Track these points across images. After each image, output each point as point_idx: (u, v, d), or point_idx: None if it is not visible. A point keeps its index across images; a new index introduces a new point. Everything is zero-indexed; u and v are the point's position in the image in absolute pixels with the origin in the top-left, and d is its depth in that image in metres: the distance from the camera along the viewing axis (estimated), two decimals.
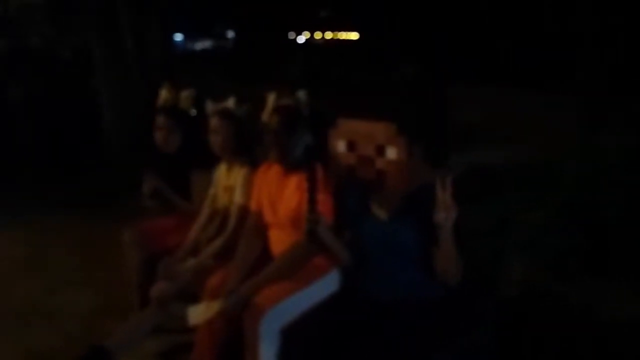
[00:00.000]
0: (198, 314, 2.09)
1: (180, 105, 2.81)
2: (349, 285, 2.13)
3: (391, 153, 1.76)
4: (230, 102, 2.54)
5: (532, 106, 9.25)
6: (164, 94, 2.82)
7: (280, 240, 2.24)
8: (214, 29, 32.40)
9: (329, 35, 31.21)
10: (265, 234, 2.32)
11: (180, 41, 26.03)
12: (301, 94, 2.14)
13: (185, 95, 2.80)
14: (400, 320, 1.87)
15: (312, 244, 2.02)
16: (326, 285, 2.15)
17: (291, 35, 29.78)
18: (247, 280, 2.12)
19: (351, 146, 1.87)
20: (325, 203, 2.02)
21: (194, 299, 2.35)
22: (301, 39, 30.43)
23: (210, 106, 2.55)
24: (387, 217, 1.91)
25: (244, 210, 2.43)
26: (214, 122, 2.52)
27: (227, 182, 2.60)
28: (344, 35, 29.55)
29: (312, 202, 1.90)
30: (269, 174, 2.31)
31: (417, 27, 15.76)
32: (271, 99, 2.23)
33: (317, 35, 31.39)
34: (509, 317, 2.37)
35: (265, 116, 2.23)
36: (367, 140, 1.82)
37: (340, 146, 1.90)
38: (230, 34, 33.13)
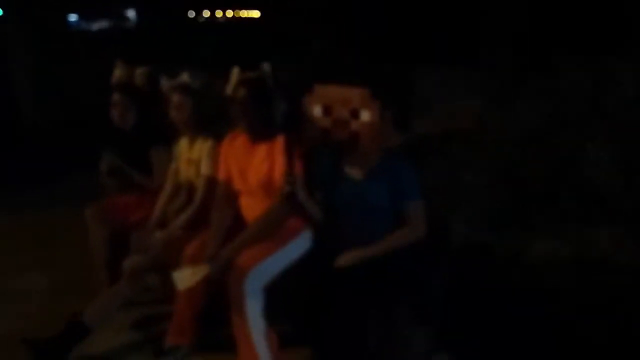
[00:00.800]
0: (185, 279, 2.18)
1: (134, 82, 2.84)
2: (321, 242, 2.33)
3: (365, 116, 1.97)
4: (185, 77, 2.61)
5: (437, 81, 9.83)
6: (118, 72, 2.84)
7: (251, 206, 2.37)
8: (112, 8, 30.77)
9: (229, 13, 30.78)
10: (235, 202, 2.45)
11: (74, 21, 24.46)
12: (266, 67, 2.28)
13: (140, 72, 2.83)
14: (368, 271, 2.10)
15: (287, 205, 2.20)
16: (301, 244, 2.32)
17: (191, 13, 28.99)
18: (225, 246, 2.26)
19: (327, 110, 2.06)
20: (298, 167, 2.20)
21: (165, 269, 2.47)
22: (201, 17, 29.76)
23: (165, 83, 2.62)
24: (360, 177, 2.12)
25: (211, 181, 2.54)
26: (175, 98, 2.58)
27: (190, 155, 2.68)
28: (245, 14, 29.29)
29: (289, 165, 2.08)
30: (236, 144, 2.43)
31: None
32: (235, 72, 2.33)
33: (218, 13, 30.83)
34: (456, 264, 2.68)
35: (229, 89, 2.33)
36: (342, 104, 2.01)
37: (316, 110, 2.08)
38: (131, 13, 31.67)
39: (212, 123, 2.64)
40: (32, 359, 2.35)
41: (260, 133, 2.31)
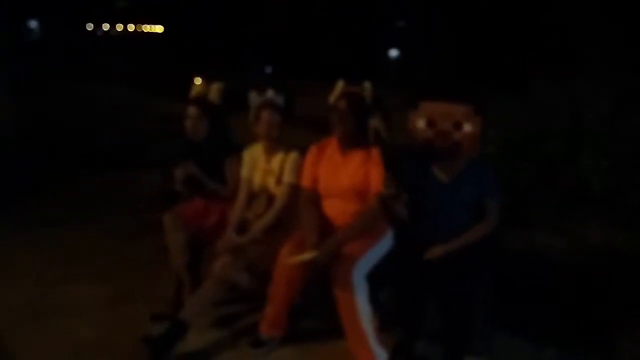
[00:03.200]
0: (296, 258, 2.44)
1: (209, 96, 3.05)
2: (405, 239, 2.66)
3: (468, 128, 2.36)
4: (271, 93, 2.89)
5: None
6: (197, 86, 3.04)
7: (340, 208, 2.64)
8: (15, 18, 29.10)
9: (131, 27, 30.13)
10: (319, 204, 2.74)
11: None
12: (367, 84, 2.61)
13: (216, 87, 3.05)
14: (449, 262, 2.47)
15: (381, 206, 2.54)
16: (389, 240, 2.65)
17: (89, 26, 28.16)
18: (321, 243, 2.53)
19: (430, 123, 2.43)
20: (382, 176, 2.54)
21: (257, 269, 2.72)
22: (100, 30, 28.95)
23: (255, 98, 2.88)
24: (448, 179, 2.50)
25: (294, 188, 2.81)
26: (265, 114, 2.84)
27: (268, 166, 2.92)
28: (148, 28, 28.83)
29: (389, 178, 2.42)
30: (327, 152, 2.70)
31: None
32: (339, 85, 2.64)
33: (119, 27, 30.08)
34: None
35: (332, 99, 2.63)
36: (446, 118, 2.39)
37: (420, 123, 2.44)
38: (34, 24, 30.14)
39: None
40: (143, 354, 2.50)
41: (354, 142, 2.61)
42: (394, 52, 19.41)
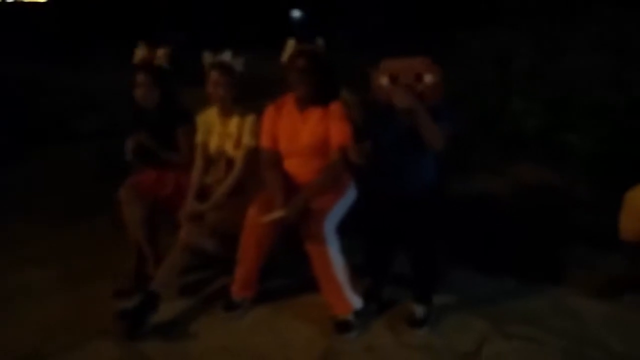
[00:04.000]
0: (267, 217, 2.46)
1: (156, 62, 2.94)
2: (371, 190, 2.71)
3: (428, 78, 2.44)
4: (227, 55, 2.83)
5: None
6: (140, 52, 2.91)
7: (302, 165, 2.66)
8: None
9: None
10: (281, 163, 2.75)
11: None
12: (320, 41, 2.62)
13: (163, 51, 2.94)
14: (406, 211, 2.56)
15: (343, 161, 2.59)
16: (352, 191, 2.73)
17: None
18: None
19: (393, 79, 2.48)
20: (349, 128, 2.59)
21: (224, 234, 2.72)
22: None
23: (208, 58, 2.81)
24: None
25: (254, 150, 2.80)
26: (214, 75, 2.79)
27: (224, 129, 2.88)
28: None
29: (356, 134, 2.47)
30: (284, 111, 2.69)
31: None
32: (291, 43, 2.63)
33: None
34: None
35: (285, 58, 2.61)
36: (407, 72, 2.45)
37: (383, 80, 2.49)
38: None
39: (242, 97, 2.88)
40: (118, 329, 2.46)
41: (314, 99, 2.62)
42: (296, 13, 19.34)
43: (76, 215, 3.89)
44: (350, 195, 2.70)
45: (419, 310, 2.53)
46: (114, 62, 9.88)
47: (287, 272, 2.95)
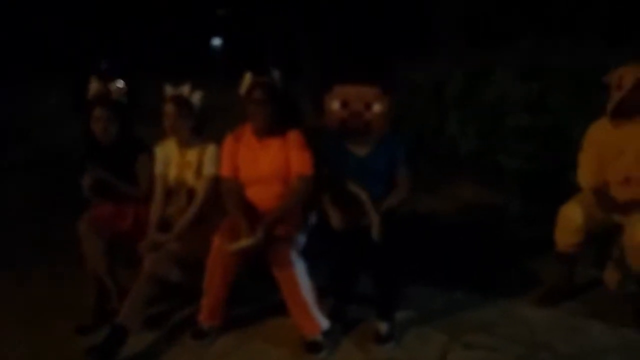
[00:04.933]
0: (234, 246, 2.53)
1: (113, 96, 2.95)
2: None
3: (377, 107, 2.63)
4: (186, 89, 2.90)
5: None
6: (94, 87, 2.91)
7: (262, 193, 2.74)
8: None
9: None
10: (242, 192, 2.83)
11: None
12: (275, 72, 2.74)
13: (117, 86, 2.95)
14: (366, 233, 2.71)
15: (305, 189, 2.71)
16: (313, 217, 2.86)
17: None
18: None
19: (344, 104, 2.65)
20: (309, 155, 2.73)
21: (188, 263, 2.77)
22: None
23: (169, 90, 2.87)
24: (364, 153, 2.75)
25: (215, 179, 2.85)
26: (169, 108, 2.83)
27: (183, 159, 2.93)
28: None
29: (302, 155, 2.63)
30: (243, 140, 2.77)
31: None
32: (248, 76, 2.73)
33: None
34: None
35: (243, 90, 2.72)
36: (357, 99, 2.63)
37: (335, 105, 2.65)
38: None
39: (202, 130, 2.95)
40: None
41: (272, 128, 2.73)
42: (217, 41, 19.48)
43: (25, 250, 3.77)
44: (312, 220, 2.82)
45: (383, 326, 2.67)
46: (34, 90, 9.61)
47: (253, 297, 3.02)
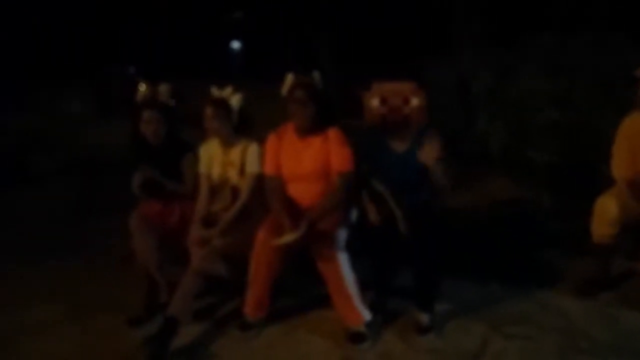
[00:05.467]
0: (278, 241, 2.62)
1: (159, 98, 3.07)
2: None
3: (415, 101, 2.72)
4: (227, 92, 3.01)
5: None
6: (142, 90, 3.04)
7: (305, 190, 2.84)
8: None
9: None
10: (284, 189, 2.92)
11: None
12: (316, 74, 2.84)
13: (165, 88, 3.07)
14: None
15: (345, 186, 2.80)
16: (354, 212, 2.95)
17: None
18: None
19: (383, 101, 2.75)
20: (349, 152, 2.82)
21: (235, 258, 2.87)
22: None
23: (214, 92, 2.99)
24: (402, 149, 2.84)
25: (259, 178, 2.95)
26: (208, 110, 2.93)
27: (227, 158, 3.03)
28: None
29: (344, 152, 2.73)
30: (285, 139, 2.87)
31: None
32: (290, 77, 2.83)
33: None
34: None
35: (285, 90, 2.82)
36: (396, 95, 2.73)
37: (374, 102, 2.75)
38: None
39: (246, 130, 3.05)
40: (145, 355, 2.55)
41: (313, 127, 2.82)
42: (236, 44, 19.66)
43: (66, 253, 3.90)
44: (352, 215, 2.92)
45: (424, 318, 2.76)
46: (55, 101, 9.80)
47: (296, 291, 3.12)
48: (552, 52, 4.79)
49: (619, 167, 2.93)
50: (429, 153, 2.63)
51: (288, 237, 2.63)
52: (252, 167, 2.97)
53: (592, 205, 2.95)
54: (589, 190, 3.04)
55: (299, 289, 3.13)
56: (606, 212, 2.85)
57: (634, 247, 3.12)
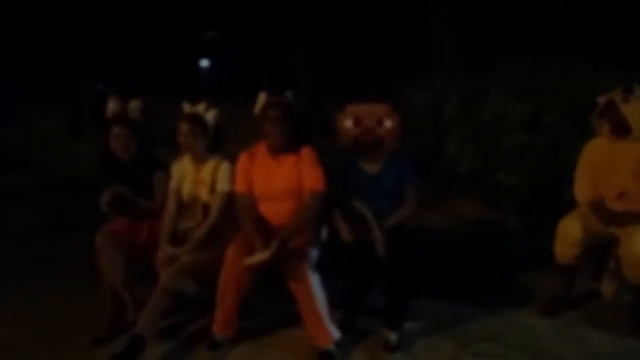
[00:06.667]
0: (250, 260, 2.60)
1: (130, 114, 3.06)
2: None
3: (388, 123, 2.76)
4: (201, 108, 3.02)
5: None
6: (112, 106, 3.02)
7: (276, 209, 2.84)
8: None
9: None
10: (256, 208, 2.93)
11: None
12: (289, 93, 2.88)
13: (135, 104, 3.06)
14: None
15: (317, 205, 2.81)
16: (325, 231, 2.97)
17: None
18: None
19: (357, 122, 2.78)
20: (321, 172, 2.84)
21: (203, 276, 2.86)
22: None
23: (186, 108, 2.99)
24: (375, 171, 2.88)
25: (230, 196, 2.94)
26: (184, 126, 2.93)
27: (198, 176, 3.02)
28: None
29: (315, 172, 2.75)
30: (258, 158, 2.89)
31: None
32: (262, 96, 2.85)
33: None
34: None
35: (258, 109, 2.84)
36: (369, 116, 2.77)
37: (348, 123, 2.78)
38: None
39: (218, 147, 3.06)
40: None
41: (286, 146, 2.84)
42: (204, 62, 19.69)
43: (33, 272, 3.83)
44: (323, 235, 2.93)
45: (392, 336, 2.76)
46: (27, 117, 9.66)
47: (265, 309, 3.10)
48: (522, 77, 4.92)
49: (582, 190, 3.01)
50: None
51: (259, 256, 2.62)
52: (222, 186, 2.96)
53: (557, 228, 3.02)
54: (555, 212, 3.11)
55: (268, 307, 3.11)
56: (569, 233, 2.93)
57: (597, 268, 3.18)
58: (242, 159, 2.93)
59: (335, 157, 2.91)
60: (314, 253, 2.78)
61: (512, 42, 5.80)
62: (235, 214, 2.91)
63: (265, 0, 9.37)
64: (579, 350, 2.69)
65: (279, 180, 2.84)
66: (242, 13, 11.59)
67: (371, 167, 2.87)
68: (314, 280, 2.69)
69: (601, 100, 2.90)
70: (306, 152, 2.84)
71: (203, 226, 2.93)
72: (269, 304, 3.11)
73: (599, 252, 3.08)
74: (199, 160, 3.03)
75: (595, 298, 3.17)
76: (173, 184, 3.04)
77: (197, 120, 2.97)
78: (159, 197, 3.06)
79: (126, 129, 2.98)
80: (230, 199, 2.94)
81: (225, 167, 2.98)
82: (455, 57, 5.52)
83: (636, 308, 2.86)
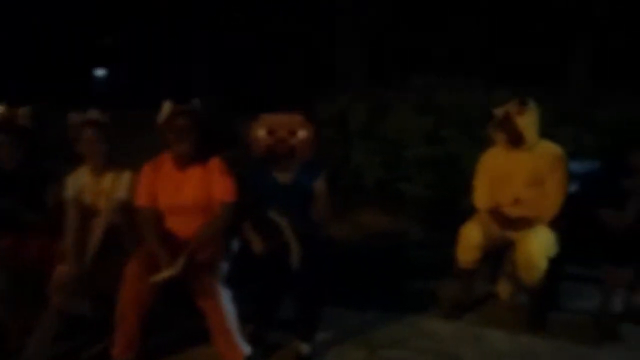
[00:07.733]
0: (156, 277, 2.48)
1: (18, 121, 2.82)
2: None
3: (302, 133, 2.76)
4: (95, 113, 2.84)
5: None
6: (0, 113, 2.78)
7: (184, 222, 2.73)
8: None
9: None
10: (160, 222, 2.79)
11: None
12: (196, 101, 2.79)
13: (24, 110, 2.83)
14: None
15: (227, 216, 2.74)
16: (235, 243, 2.88)
17: None
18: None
19: (270, 132, 2.75)
20: (232, 182, 2.77)
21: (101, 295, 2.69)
22: None
23: (76, 118, 2.79)
24: (288, 180, 2.85)
25: (126, 205, 2.78)
26: (88, 132, 2.76)
27: (98, 187, 2.84)
28: None
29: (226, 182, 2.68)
30: (163, 169, 2.76)
31: None
32: (167, 104, 2.73)
33: None
34: None
35: (162, 119, 2.71)
36: (283, 126, 2.75)
37: (261, 132, 2.75)
38: None
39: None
40: None
41: (193, 156, 2.73)
42: (100, 71, 18.87)
43: None
44: (234, 247, 2.85)
45: (304, 348, 2.74)
46: None
47: (169, 326, 2.96)
48: (423, 93, 5.15)
49: (480, 197, 3.19)
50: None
51: (167, 273, 2.50)
52: (119, 193, 2.80)
53: (457, 236, 3.15)
54: (454, 222, 3.24)
55: (172, 323, 2.96)
56: (470, 238, 3.07)
57: (493, 272, 3.37)
58: (145, 171, 2.78)
59: (245, 167, 2.86)
60: (223, 266, 2.69)
61: (416, 60, 6.07)
62: (135, 228, 2.75)
63: (167, 6, 9.12)
64: (480, 350, 2.82)
65: (187, 192, 2.73)
66: (142, 19, 11.23)
67: (284, 177, 2.85)
68: (224, 296, 2.60)
69: (498, 112, 3.07)
70: (215, 162, 2.75)
71: (93, 235, 2.73)
72: (174, 318, 2.96)
73: (496, 256, 3.25)
74: (98, 170, 2.85)
75: (493, 300, 3.36)
76: (70, 194, 2.82)
77: (100, 126, 2.80)
78: (50, 212, 2.83)
79: (9, 137, 2.75)
80: (126, 208, 2.78)
81: (126, 175, 2.83)
82: (362, 72, 5.67)
83: (531, 307, 3.05)
